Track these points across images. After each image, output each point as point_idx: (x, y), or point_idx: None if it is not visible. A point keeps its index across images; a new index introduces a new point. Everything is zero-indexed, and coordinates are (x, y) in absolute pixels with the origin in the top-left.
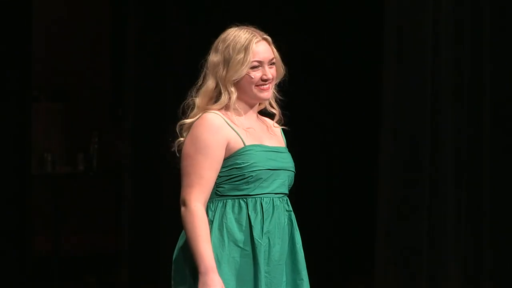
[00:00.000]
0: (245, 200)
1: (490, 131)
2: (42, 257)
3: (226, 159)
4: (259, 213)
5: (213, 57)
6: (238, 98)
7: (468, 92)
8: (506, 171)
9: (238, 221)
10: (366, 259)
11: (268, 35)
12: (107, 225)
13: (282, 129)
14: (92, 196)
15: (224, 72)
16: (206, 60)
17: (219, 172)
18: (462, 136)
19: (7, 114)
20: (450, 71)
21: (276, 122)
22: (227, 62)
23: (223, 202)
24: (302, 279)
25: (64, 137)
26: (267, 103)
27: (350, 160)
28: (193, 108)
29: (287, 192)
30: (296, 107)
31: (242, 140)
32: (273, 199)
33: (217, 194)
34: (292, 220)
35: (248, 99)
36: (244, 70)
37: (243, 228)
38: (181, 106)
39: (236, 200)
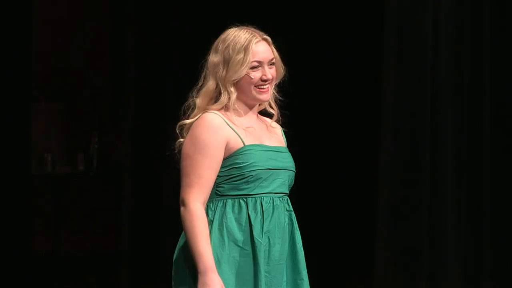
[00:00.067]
0: (245, 200)
1: (490, 131)
2: (42, 257)
3: (225, 159)
4: (259, 213)
5: (213, 58)
6: (238, 98)
7: (468, 92)
8: (506, 171)
9: (238, 221)
10: (366, 259)
11: (268, 35)
12: (107, 225)
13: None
14: (92, 196)
15: (224, 72)
16: (206, 61)
17: (219, 171)
18: (462, 136)
19: (7, 114)
20: (450, 71)
21: (274, 121)
22: (227, 62)
23: (223, 201)
24: (303, 279)
25: (64, 137)
26: (266, 103)
27: (350, 160)
28: (193, 109)
29: (287, 191)
30: (296, 107)
31: (242, 140)
32: (273, 199)
33: (217, 193)
34: (292, 220)
35: (247, 100)
36: (244, 70)
37: (243, 227)
38: (182, 107)
39: (236, 200)
